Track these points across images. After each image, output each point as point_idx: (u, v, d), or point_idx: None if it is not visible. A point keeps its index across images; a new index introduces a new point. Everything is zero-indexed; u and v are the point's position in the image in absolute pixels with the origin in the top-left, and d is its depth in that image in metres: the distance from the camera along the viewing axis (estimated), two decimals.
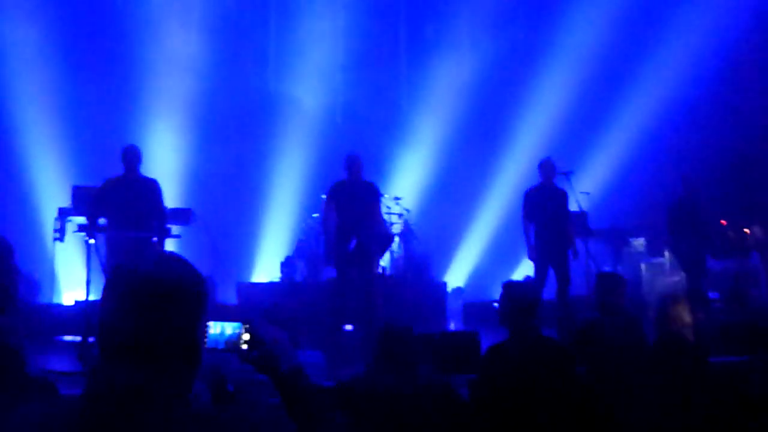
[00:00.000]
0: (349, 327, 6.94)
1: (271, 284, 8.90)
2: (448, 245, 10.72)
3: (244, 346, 1.66)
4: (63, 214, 6.79)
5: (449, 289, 9.55)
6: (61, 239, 6.62)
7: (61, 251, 7.04)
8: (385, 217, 8.21)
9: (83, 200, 6.72)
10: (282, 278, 8.96)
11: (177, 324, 1.30)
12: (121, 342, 1.27)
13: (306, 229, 9.51)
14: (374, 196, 6.72)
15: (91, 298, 5.92)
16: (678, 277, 7.98)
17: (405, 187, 10.81)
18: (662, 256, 8.97)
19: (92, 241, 5.79)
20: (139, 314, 1.27)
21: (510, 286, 3.88)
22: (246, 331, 1.66)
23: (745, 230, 8.08)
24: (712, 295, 7.84)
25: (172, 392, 1.28)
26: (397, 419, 3.32)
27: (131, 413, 1.19)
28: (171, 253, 1.42)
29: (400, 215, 9.60)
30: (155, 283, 1.29)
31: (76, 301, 7.13)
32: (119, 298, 1.29)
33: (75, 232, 6.04)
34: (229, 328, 1.66)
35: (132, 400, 1.23)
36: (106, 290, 1.32)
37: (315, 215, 9.12)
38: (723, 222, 8.44)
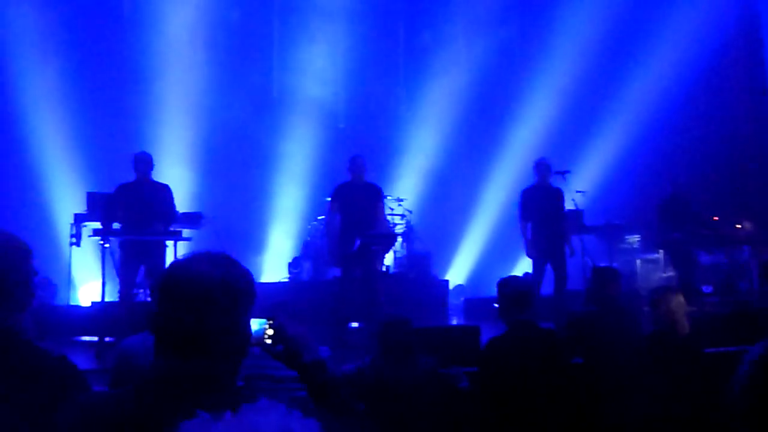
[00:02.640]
0: (354, 324, 7.00)
1: (279, 284, 9.01)
2: (449, 244, 10.90)
3: (269, 341, 1.71)
4: (78, 219, 6.88)
5: (451, 286, 9.66)
6: (77, 244, 6.69)
7: (77, 255, 7.19)
8: (388, 217, 8.34)
9: (97, 206, 6.86)
10: (289, 278, 9.16)
11: (229, 318, 1.37)
12: (178, 336, 1.34)
13: (312, 230, 9.64)
14: (377, 197, 6.78)
15: (107, 299, 6.13)
16: (672, 272, 8.09)
17: (406, 189, 11.03)
18: (656, 252, 9.03)
19: (107, 245, 5.93)
20: (195, 310, 1.34)
21: (504, 281, 3.97)
22: (270, 327, 1.72)
23: (737, 225, 8.23)
24: (705, 288, 7.94)
25: (225, 382, 1.36)
26: (398, 408, 3.44)
27: (187, 403, 1.20)
28: (221, 252, 1.47)
29: (402, 216, 9.74)
30: (210, 281, 1.36)
31: (93, 303, 7.27)
32: (176, 295, 1.36)
33: (90, 236, 6.11)
34: (254, 324, 1.68)
35: (188, 391, 1.28)
36: (163, 288, 1.38)
37: (320, 217, 9.26)
38: (715, 218, 8.61)
